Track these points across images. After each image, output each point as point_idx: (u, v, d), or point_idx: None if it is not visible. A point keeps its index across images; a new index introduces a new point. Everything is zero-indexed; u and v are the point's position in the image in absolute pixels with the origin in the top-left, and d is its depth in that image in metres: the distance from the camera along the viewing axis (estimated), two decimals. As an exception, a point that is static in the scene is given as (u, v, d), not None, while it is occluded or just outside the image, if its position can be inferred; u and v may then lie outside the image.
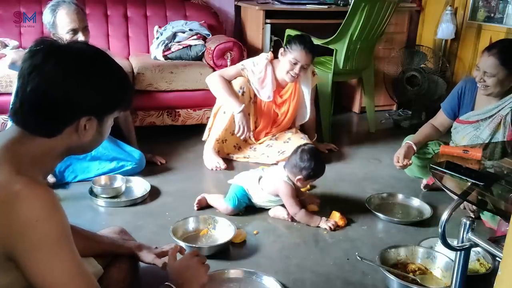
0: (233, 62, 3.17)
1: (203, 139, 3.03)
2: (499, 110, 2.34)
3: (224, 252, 1.99)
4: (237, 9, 4.05)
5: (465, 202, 2.18)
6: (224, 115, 2.89)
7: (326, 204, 2.42)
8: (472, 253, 1.67)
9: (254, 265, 1.90)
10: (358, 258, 1.88)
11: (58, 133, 1.10)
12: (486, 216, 2.26)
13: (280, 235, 2.17)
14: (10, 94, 2.73)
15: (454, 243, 1.43)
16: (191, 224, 2.14)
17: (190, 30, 3.47)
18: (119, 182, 2.54)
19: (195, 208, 2.32)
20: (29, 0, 3.39)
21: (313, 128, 3.22)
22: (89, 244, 1.44)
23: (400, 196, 2.54)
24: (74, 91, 1.07)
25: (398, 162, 2.43)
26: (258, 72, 2.90)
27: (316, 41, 3.28)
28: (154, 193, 2.50)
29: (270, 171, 2.38)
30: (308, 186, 2.57)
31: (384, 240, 2.14)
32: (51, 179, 2.46)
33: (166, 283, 1.34)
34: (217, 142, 2.91)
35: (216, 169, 2.84)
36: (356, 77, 3.75)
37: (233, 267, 1.87)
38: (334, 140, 3.36)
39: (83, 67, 1.09)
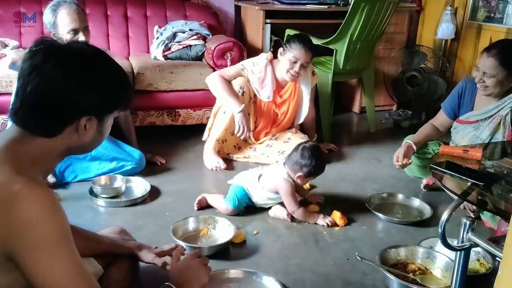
0: (233, 62, 3.17)
1: (203, 139, 3.03)
2: (499, 110, 2.34)
3: (224, 252, 1.99)
4: (237, 9, 4.05)
5: (465, 202, 2.18)
6: (224, 115, 2.89)
7: (326, 204, 2.43)
8: (472, 253, 1.67)
9: (254, 265, 1.90)
10: (358, 258, 1.88)
11: (58, 133, 1.10)
12: (486, 216, 2.26)
13: (280, 235, 2.17)
14: (10, 94, 2.73)
15: (454, 243, 1.43)
16: (191, 224, 2.14)
17: (190, 30, 3.47)
18: (119, 182, 2.54)
19: (195, 208, 2.32)
20: (29, 0, 3.39)
21: (313, 128, 3.22)
22: (89, 244, 1.44)
23: (400, 196, 2.54)
24: (74, 91, 1.07)
25: (398, 161, 2.43)
26: (258, 72, 2.90)
27: (316, 41, 3.28)
28: (154, 193, 2.50)
29: (270, 168, 2.39)
30: (308, 186, 2.57)
31: (384, 240, 2.14)
32: (51, 179, 2.46)
33: (166, 283, 1.34)
34: (217, 142, 2.91)
35: (216, 169, 2.84)
36: (356, 77, 3.75)
37: (233, 267, 1.87)
38: (334, 140, 3.36)
39: (83, 67, 1.09)
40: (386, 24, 3.33)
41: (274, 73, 2.94)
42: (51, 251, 1.03)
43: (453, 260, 1.52)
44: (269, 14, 3.63)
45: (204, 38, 3.47)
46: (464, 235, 1.36)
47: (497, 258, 1.61)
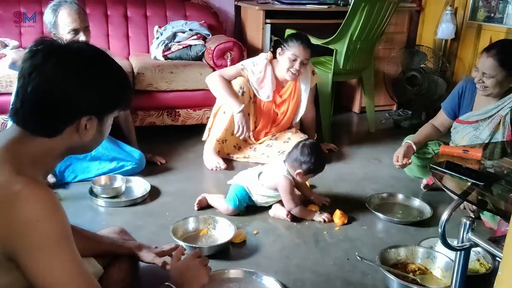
0: (233, 62, 3.17)
1: (203, 139, 3.03)
2: (499, 111, 2.34)
3: (224, 252, 1.99)
4: (237, 9, 4.05)
5: (465, 202, 2.18)
6: (224, 115, 2.89)
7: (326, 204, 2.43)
8: (472, 253, 1.67)
9: (254, 265, 1.90)
10: (358, 258, 1.88)
11: (59, 133, 1.11)
12: (486, 216, 2.26)
13: (280, 235, 2.17)
14: (10, 94, 2.73)
15: (454, 243, 1.43)
16: (191, 224, 2.14)
17: (190, 30, 3.47)
18: (119, 182, 2.54)
19: (195, 208, 2.32)
20: (29, 0, 3.39)
21: (313, 128, 3.22)
22: (89, 244, 1.44)
23: (400, 196, 2.54)
24: (75, 91, 1.07)
25: (398, 161, 2.43)
26: (257, 72, 2.90)
27: (316, 41, 3.29)
28: (154, 193, 2.50)
29: (270, 166, 2.40)
30: (308, 185, 2.57)
31: (384, 240, 2.14)
32: (51, 179, 2.46)
33: (166, 283, 1.34)
34: (217, 142, 2.91)
35: (216, 169, 2.84)
36: (356, 77, 3.75)
37: (233, 267, 1.87)
38: (334, 140, 3.36)
39: (83, 67, 1.09)
40: (386, 24, 3.33)
41: (274, 73, 2.94)
42: (51, 251, 1.03)
43: (453, 260, 1.52)
44: (269, 14, 3.63)
45: (204, 38, 3.47)
46: (464, 235, 1.36)
47: (497, 258, 1.61)
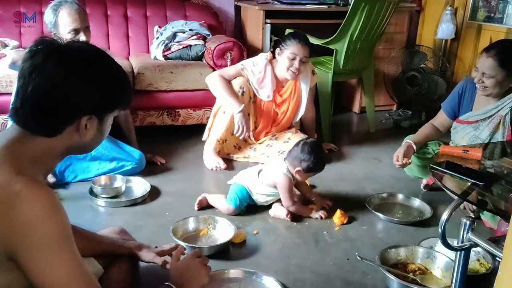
0: (233, 62, 3.17)
1: (203, 139, 3.03)
2: (498, 111, 2.34)
3: (224, 252, 1.99)
4: (237, 9, 4.05)
5: (465, 202, 2.18)
6: (224, 115, 2.89)
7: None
8: (472, 253, 1.67)
9: (254, 265, 1.90)
10: (358, 258, 1.88)
11: (59, 133, 1.11)
12: (486, 216, 2.26)
13: (280, 235, 2.17)
14: (10, 94, 2.73)
15: (454, 243, 1.43)
16: (191, 224, 2.14)
17: (190, 30, 3.47)
18: (119, 182, 2.54)
19: (196, 208, 2.32)
20: (29, 0, 3.39)
21: (313, 128, 3.22)
22: (89, 244, 1.44)
23: (400, 196, 2.54)
24: (75, 90, 1.08)
25: (398, 161, 2.43)
26: (257, 72, 2.90)
27: (316, 41, 3.29)
28: (154, 193, 2.50)
29: (270, 163, 2.40)
30: (308, 185, 2.57)
31: (384, 240, 2.14)
32: (51, 179, 2.46)
33: (166, 283, 1.34)
34: (217, 143, 2.91)
35: (216, 169, 2.84)
36: (356, 77, 3.75)
37: (233, 267, 1.87)
38: (334, 140, 3.36)
39: (83, 67, 1.10)
40: (386, 24, 3.33)
41: (274, 73, 2.94)
42: (52, 251, 1.03)
43: (453, 260, 1.52)
44: (269, 14, 3.63)
45: (204, 38, 3.47)
46: (464, 235, 1.36)
47: (497, 258, 1.61)
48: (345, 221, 2.25)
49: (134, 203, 2.39)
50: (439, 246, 1.96)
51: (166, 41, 3.37)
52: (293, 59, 2.81)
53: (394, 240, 2.13)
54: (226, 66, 3.17)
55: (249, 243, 2.08)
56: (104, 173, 2.58)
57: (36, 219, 1.00)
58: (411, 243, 2.02)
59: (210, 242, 2.06)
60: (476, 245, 1.36)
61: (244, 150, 3.03)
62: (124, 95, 1.20)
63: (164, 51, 3.34)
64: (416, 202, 2.49)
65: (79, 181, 2.56)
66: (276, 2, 3.87)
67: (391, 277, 1.76)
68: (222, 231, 2.10)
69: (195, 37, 3.44)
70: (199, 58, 3.40)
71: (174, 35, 3.41)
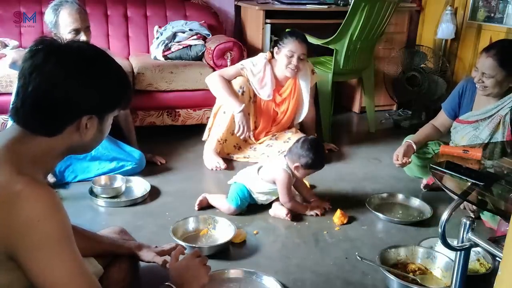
0: (233, 62, 3.17)
1: (203, 139, 3.03)
2: (498, 110, 2.34)
3: (224, 252, 1.99)
4: (237, 9, 4.05)
5: (465, 202, 2.18)
6: (224, 115, 2.89)
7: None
8: (472, 253, 1.67)
9: (254, 265, 1.90)
10: (358, 258, 1.88)
11: (59, 133, 1.11)
12: (486, 216, 2.26)
13: (280, 235, 2.17)
14: (10, 94, 2.73)
15: (454, 243, 1.43)
16: (191, 224, 2.14)
17: (190, 30, 3.47)
18: (119, 182, 2.53)
19: (196, 208, 2.32)
20: (29, 0, 3.39)
21: (313, 128, 3.23)
22: (89, 244, 1.44)
23: (400, 196, 2.54)
24: (75, 90, 1.08)
25: (398, 160, 2.43)
26: (257, 72, 2.91)
27: (316, 41, 3.29)
28: (154, 193, 2.50)
29: (271, 161, 2.41)
30: (308, 185, 2.57)
31: (384, 240, 2.14)
32: (51, 179, 2.46)
33: (166, 283, 1.34)
34: (218, 143, 2.91)
35: (216, 169, 2.84)
36: (356, 77, 3.75)
37: (233, 267, 1.87)
38: (334, 140, 3.36)
39: (83, 67, 1.10)
40: (386, 24, 3.33)
41: (274, 72, 2.94)
42: (52, 250, 1.03)
43: (453, 260, 1.52)
44: (269, 14, 3.63)
45: (204, 38, 3.47)
46: (464, 235, 1.36)
47: (497, 258, 1.61)
48: (345, 221, 2.25)
49: (134, 203, 2.39)
50: (439, 246, 1.96)
51: (166, 41, 3.37)
52: (291, 56, 2.82)
53: (394, 240, 2.13)
54: (226, 66, 3.17)
55: (249, 243, 2.08)
56: (104, 173, 2.58)
57: (37, 219, 1.00)
58: (411, 243, 2.02)
59: (210, 242, 2.06)
60: (476, 245, 1.36)
61: (244, 150, 3.03)
62: (124, 94, 1.20)
63: (164, 51, 3.34)
64: (416, 202, 2.49)
65: (79, 181, 2.56)
66: (276, 2, 3.86)
67: (391, 277, 1.76)
68: (222, 231, 2.10)
69: (195, 37, 3.44)
70: (199, 58, 3.40)
71: (174, 35, 3.41)
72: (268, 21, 3.63)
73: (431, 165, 1.82)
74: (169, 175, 2.76)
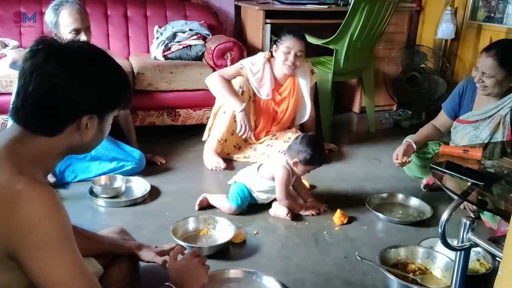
0: (233, 62, 3.17)
1: (203, 139, 3.03)
2: (499, 110, 2.34)
3: (224, 252, 1.99)
4: (237, 9, 4.05)
5: (465, 202, 2.18)
6: (224, 115, 2.89)
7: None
8: (472, 253, 1.67)
9: (254, 265, 1.90)
10: (358, 258, 1.88)
11: (59, 132, 1.11)
12: (486, 216, 2.26)
13: (280, 235, 2.17)
14: (10, 94, 2.73)
15: (454, 243, 1.43)
16: (191, 224, 2.14)
17: (190, 30, 3.47)
18: (119, 182, 2.53)
19: (196, 208, 2.32)
20: (29, 0, 3.39)
21: (313, 128, 3.22)
22: (89, 244, 1.45)
23: (400, 196, 2.54)
24: (75, 90, 1.08)
25: (397, 159, 2.43)
26: (256, 71, 2.91)
27: (316, 41, 3.29)
28: (154, 193, 2.50)
29: (271, 160, 2.42)
30: (308, 185, 2.57)
31: (384, 240, 2.14)
32: (51, 179, 2.46)
33: (166, 283, 1.34)
34: (218, 143, 2.91)
35: (216, 169, 2.84)
36: (356, 77, 3.75)
37: (233, 267, 1.87)
38: (334, 140, 3.36)
39: (83, 67, 1.10)
40: (386, 24, 3.33)
41: (273, 71, 2.95)
42: (53, 250, 1.03)
43: (453, 260, 1.52)
44: (269, 14, 3.63)
45: (204, 38, 3.47)
46: (464, 235, 1.36)
47: (497, 258, 1.61)
48: (345, 221, 2.26)
49: (134, 203, 2.39)
50: (439, 246, 1.96)
51: (166, 41, 3.37)
52: (288, 53, 2.83)
53: (394, 240, 2.13)
54: (226, 66, 3.17)
55: (249, 243, 2.08)
56: (104, 173, 2.58)
57: (37, 219, 1.00)
58: (411, 243, 2.02)
59: (210, 242, 2.06)
60: (476, 245, 1.36)
61: (244, 150, 3.03)
62: (124, 94, 1.20)
63: (164, 51, 3.34)
64: (416, 202, 2.49)
65: (79, 181, 2.56)
66: (276, 2, 3.87)
67: (391, 277, 1.76)
68: (222, 231, 2.10)
69: (195, 37, 3.44)
70: (199, 58, 3.40)
71: (174, 35, 3.41)
72: (268, 21, 3.63)
73: (431, 165, 1.82)
74: (169, 175, 2.76)
